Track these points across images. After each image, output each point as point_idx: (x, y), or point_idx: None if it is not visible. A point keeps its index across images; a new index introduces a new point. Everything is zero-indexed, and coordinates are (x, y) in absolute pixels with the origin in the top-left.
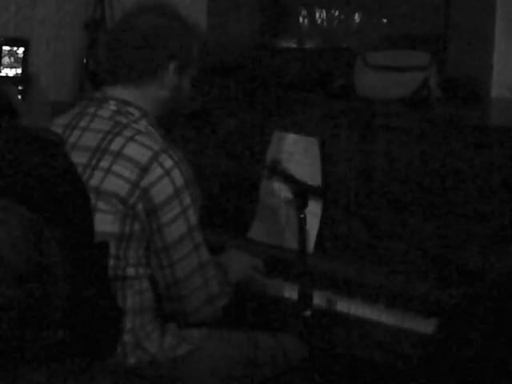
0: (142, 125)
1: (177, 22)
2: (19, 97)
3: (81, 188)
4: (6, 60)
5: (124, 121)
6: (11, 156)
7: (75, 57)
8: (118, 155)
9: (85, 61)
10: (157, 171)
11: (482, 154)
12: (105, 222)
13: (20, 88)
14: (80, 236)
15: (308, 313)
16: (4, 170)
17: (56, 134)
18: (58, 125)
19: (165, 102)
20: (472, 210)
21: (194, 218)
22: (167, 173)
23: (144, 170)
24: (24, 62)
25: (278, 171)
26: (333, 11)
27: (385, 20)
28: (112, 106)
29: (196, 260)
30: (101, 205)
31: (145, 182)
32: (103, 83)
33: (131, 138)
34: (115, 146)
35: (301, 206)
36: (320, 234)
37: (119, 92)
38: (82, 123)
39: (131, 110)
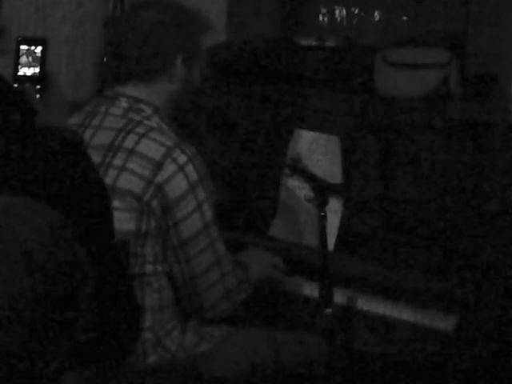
0: (154, 121)
1: (180, 15)
2: (37, 96)
3: (101, 186)
4: (23, 59)
5: (136, 118)
6: (33, 155)
7: (95, 55)
8: (132, 152)
9: (105, 59)
10: (171, 167)
11: (502, 151)
12: (121, 220)
13: (38, 87)
14: (101, 234)
15: (329, 310)
16: (27, 169)
17: (75, 133)
18: (72, 124)
19: (175, 96)
20: (492, 207)
21: (209, 213)
22: (181, 168)
23: (158, 166)
24: (42, 61)
25: (299, 169)
26: (352, 9)
27: (404, 17)
28: (123, 103)
29: (212, 255)
30: (116, 203)
31: (159, 179)
32: (114, 82)
33: (144, 135)
34: (128, 143)
35: (322, 203)
36: (341, 232)
37: (130, 89)
38: (95, 122)
39: (143, 106)
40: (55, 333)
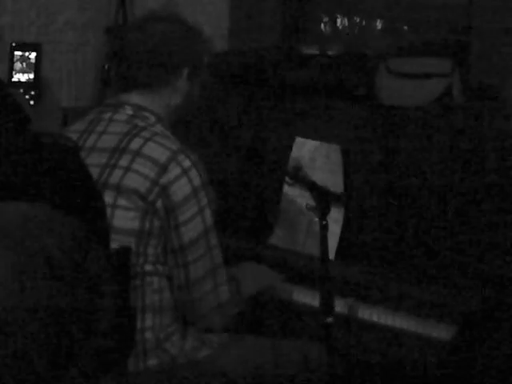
0: (159, 128)
1: (188, 30)
2: (31, 102)
3: (97, 192)
4: (18, 65)
5: (141, 124)
6: (29, 161)
7: (96, 62)
8: (138, 154)
9: (106, 67)
10: (175, 170)
11: (505, 161)
12: (125, 219)
13: (32, 93)
14: (101, 239)
15: (330, 319)
16: (26, 176)
17: (70, 139)
18: (73, 131)
19: (177, 108)
20: (495, 217)
21: (210, 219)
22: (185, 172)
23: (163, 168)
24: (36, 67)
25: (300, 178)
26: (354, 18)
27: (406, 26)
28: (128, 110)
29: (209, 262)
30: (121, 201)
31: (164, 180)
32: (118, 90)
33: (149, 139)
34: (134, 145)
35: (323, 212)
36: (342, 241)
37: (134, 97)
38: (99, 128)
39: (147, 114)
40: (78, 339)
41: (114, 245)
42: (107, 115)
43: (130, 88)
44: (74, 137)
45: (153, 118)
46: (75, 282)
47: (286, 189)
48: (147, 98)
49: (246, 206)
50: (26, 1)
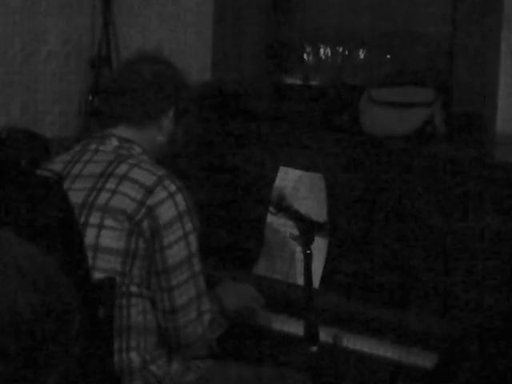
0: (143, 157)
1: (176, 72)
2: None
3: (75, 224)
4: None
5: (126, 153)
6: (14, 194)
7: (81, 93)
8: (124, 178)
9: (90, 97)
10: (161, 193)
11: (486, 190)
12: (111, 238)
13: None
14: (76, 268)
15: (314, 348)
16: (9, 207)
17: (55, 172)
18: (59, 161)
19: (160, 146)
20: (477, 247)
21: (194, 244)
22: (171, 196)
23: (149, 190)
24: None
25: (284, 207)
26: (337, 48)
27: (388, 56)
28: (114, 142)
29: (194, 289)
30: (107, 221)
31: (150, 202)
32: (105, 124)
33: (136, 165)
34: (120, 170)
35: (307, 241)
36: (326, 270)
37: (120, 131)
38: (85, 157)
39: (132, 145)
40: (52, 347)
41: (100, 263)
42: (93, 146)
43: (116, 122)
44: (60, 166)
45: (138, 149)
46: (43, 291)
47: (270, 218)
48: (133, 133)
49: (229, 235)
50: (10, 31)
